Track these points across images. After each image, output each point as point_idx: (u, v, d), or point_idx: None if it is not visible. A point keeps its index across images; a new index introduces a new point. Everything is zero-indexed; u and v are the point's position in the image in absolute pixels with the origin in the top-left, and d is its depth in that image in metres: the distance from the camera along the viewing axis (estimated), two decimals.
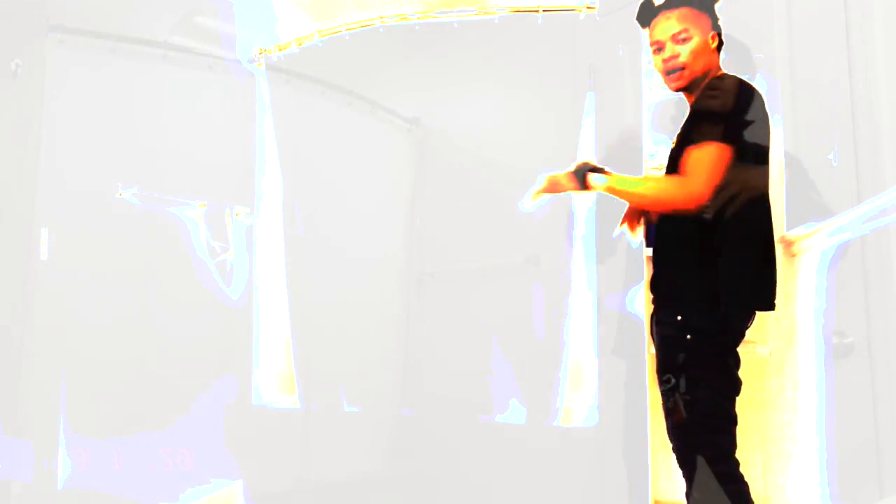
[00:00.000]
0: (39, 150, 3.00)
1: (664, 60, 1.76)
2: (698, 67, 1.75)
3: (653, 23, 1.79)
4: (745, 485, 1.68)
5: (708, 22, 1.76)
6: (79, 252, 3.08)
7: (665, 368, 1.75)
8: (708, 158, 1.63)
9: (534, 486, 3.31)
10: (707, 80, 1.75)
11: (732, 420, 1.72)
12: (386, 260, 4.15)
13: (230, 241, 3.52)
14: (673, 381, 1.70)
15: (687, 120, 1.76)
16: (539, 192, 1.89)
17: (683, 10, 1.75)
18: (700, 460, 1.68)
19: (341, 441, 3.80)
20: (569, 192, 1.88)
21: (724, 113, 1.66)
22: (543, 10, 3.22)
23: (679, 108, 2.18)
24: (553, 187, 1.88)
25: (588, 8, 3.18)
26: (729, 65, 2.20)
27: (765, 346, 2.08)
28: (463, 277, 3.97)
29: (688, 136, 1.69)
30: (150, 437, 3.10)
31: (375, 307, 4.05)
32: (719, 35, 1.76)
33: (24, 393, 2.90)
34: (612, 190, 1.75)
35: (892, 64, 2.38)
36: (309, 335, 3.71)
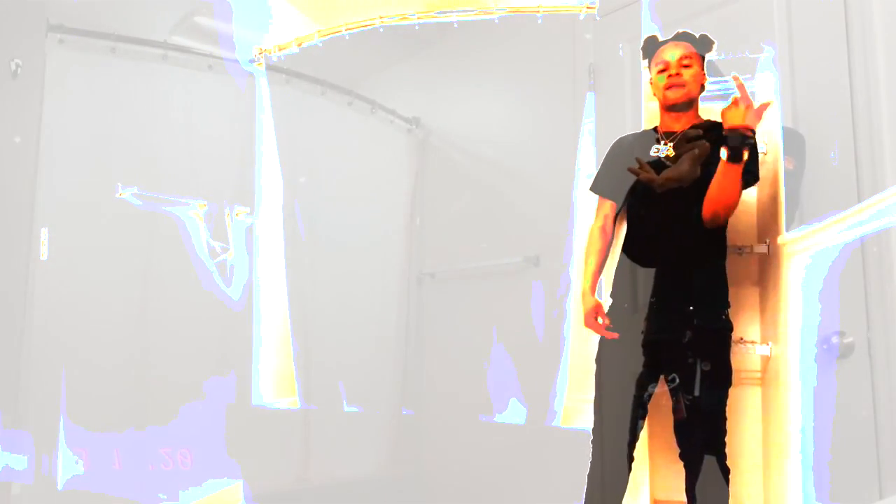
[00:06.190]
0: (39, 149, 3.00)
1: (669, 76, 2.05)
2: (693, 92, 2.06)
3: (658, 50, 2.11)
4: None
5: (701, 65, 2.08)
6: (79, 252, 3.08)
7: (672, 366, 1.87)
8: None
9: (534, 486, 3.31)
10: (696, 112, 2.08)
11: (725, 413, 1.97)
12: (386, 260, 4.15)
13: (230, 241, 3.52)
14: (678, 380, 1.88)
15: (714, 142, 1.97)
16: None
17: (688, 46, 2.08)
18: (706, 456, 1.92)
19: (341, 441, 3.80)
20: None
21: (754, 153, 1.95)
22: (543, 10, 3.22)
23: None
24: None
25: (588, 8, 3.18)
26: (729, 64, 2.20)
27: (764, 346, 2.08)
28: (463, 277, 3.97)
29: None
30: (150, 436, 3.10)
31: (375, 307, 4.05)
32: (704, 81, 2.09)
33: (25, 393, 2.89)
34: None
35: (892, 64, 2.38)
36: (309, 335, 3.71)
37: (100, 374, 3.06)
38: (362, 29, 3.45)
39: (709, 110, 2.13)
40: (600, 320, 2.05)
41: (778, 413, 2.04)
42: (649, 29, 2.46)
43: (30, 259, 2.95)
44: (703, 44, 2.10)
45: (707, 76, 2.10)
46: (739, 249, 2.13)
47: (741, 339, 2.09)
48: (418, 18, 3.37)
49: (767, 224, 2.13)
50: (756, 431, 2.10)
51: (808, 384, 2.02)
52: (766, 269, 2.12)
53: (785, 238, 2.06)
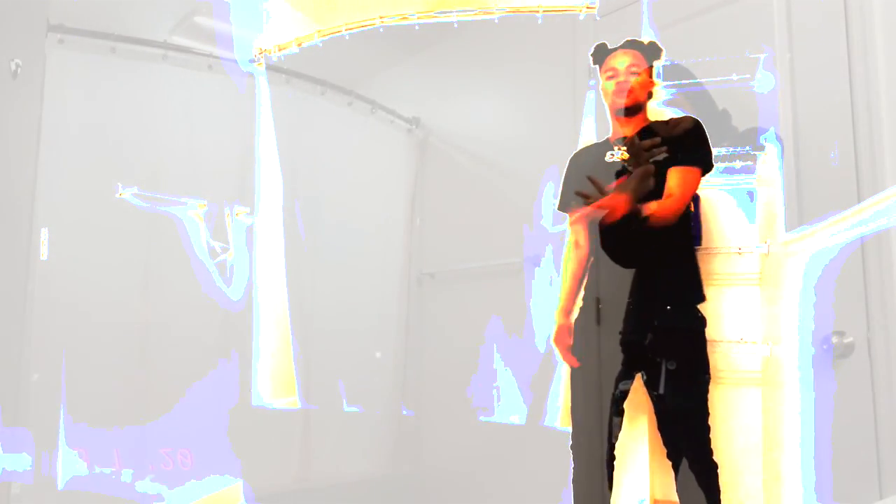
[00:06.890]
0: (39, 149, 3.00)
1: (618, 83, 2.16)
2: (641, 98, 2.16)
3: (608, 57, 2.20)
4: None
5: (649, 72, 2.18)
6: (79, 252, 3.08)
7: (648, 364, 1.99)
8: (690, 179, 2.01)
9: (534, 486, 3.31)
10: (645, 116, 2.16)
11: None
12: (386, 260, 4.15)
13: (230, 241, 3.52)
14: (653, 379, 1.92)
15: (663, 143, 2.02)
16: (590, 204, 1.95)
17: (637, 53, 2.17)
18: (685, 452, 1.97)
19: (341, 441, 3.80)
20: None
21: (704, 145, 2.04)
22: (543, 10, 3.22)
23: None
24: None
25: (588, 8, 3.18)
26: (728, 64, 2.20)
27: (764, 346, 2.08)
28: (463, 277, 3.97)
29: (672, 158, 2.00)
30: (150, 436, 3.10)
31: (375, 307, 4.05)
32: (653, 88, 2.19)
33: (25, 393, 2.90)
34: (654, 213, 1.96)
35: (892, 64, 2.38)
36: (309, 335, 3.71)
37: (100, 374, 3.06)
38: (362, 29, 3.45)
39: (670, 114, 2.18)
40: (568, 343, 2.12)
41: (778, 413, 2.04)
42: (649, 29, 2.48)
43: (30, 259, 2.95)
44: (652, 51, 2.17)
45: (658, 81, 2.18)
46: (739, 249, 2.13)
47: (741, 339, 2.09)
48: (418, 18, 3.37)
49: (767, 224, 2.13)
50: (756, 432, 2.10)
51: (808, 384, 2.02)
52: (766, 269, 2.12)
53: (785, 238, 2.06)
